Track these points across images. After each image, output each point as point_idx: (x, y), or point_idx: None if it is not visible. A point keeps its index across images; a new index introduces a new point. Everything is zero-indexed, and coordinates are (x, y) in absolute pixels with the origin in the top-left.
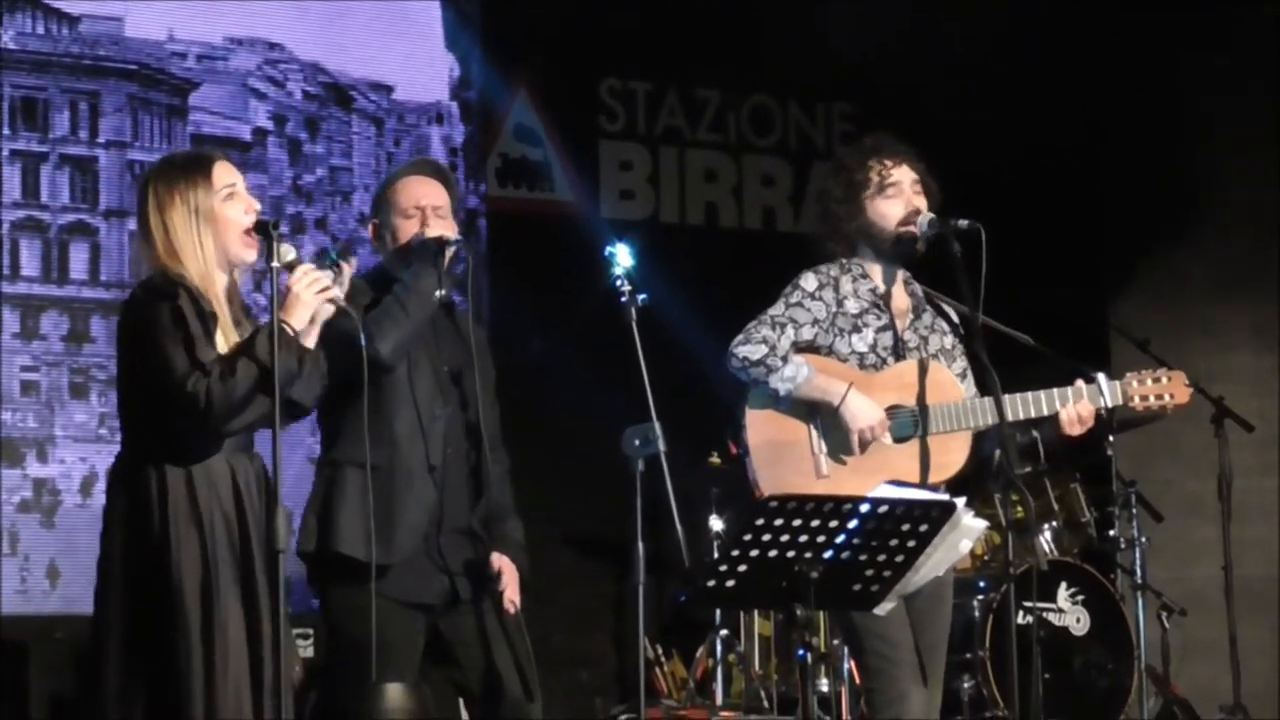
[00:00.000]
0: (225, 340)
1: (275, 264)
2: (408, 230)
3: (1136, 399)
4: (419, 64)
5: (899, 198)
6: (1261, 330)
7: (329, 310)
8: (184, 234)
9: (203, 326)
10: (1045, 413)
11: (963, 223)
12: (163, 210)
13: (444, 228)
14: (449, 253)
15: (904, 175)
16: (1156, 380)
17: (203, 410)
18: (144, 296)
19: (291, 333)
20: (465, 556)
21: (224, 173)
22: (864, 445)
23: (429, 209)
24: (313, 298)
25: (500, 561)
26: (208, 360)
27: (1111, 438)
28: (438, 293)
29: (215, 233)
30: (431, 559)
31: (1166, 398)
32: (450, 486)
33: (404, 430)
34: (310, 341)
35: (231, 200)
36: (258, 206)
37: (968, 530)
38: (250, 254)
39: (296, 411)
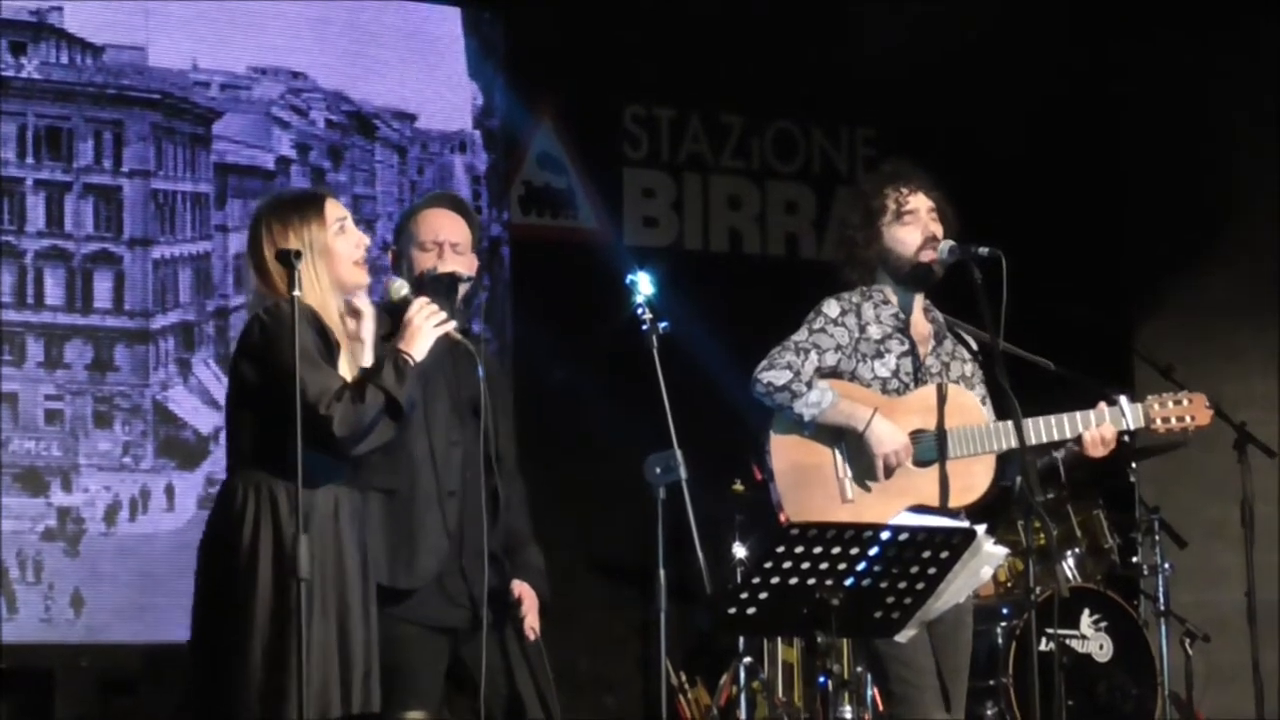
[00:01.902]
0: (348, 367)
1: (297, 293)
2: (423, 262)
3: (1158, 421)
4: (442, 92)
5: (915, 224)
6: None
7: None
8: (301, 269)
9: (328, 353)
10: (1068, 435)
11: (983, 250)
12: (278, 247)
13: (459, 264)
14: (462, 289)
15: (920, 202)
16: (1178, 402)
17: (334, 433)
18: (273, 321)
19: (412, 363)
20: (481, 580)
21: (334, 208)
22: (889, 470)
23: (446, 244)
24: (432, 330)
25: (521, 588)
26: (337, 385)
27: (1134, 464)
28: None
29: (329, 265)
30: (457, 583)
31: (1188, 419)
32: (470, 512)
33: (422, 456)
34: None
35: (343, 234)
36: (367, 240)
37: (989, 557)
38: (364, 278)
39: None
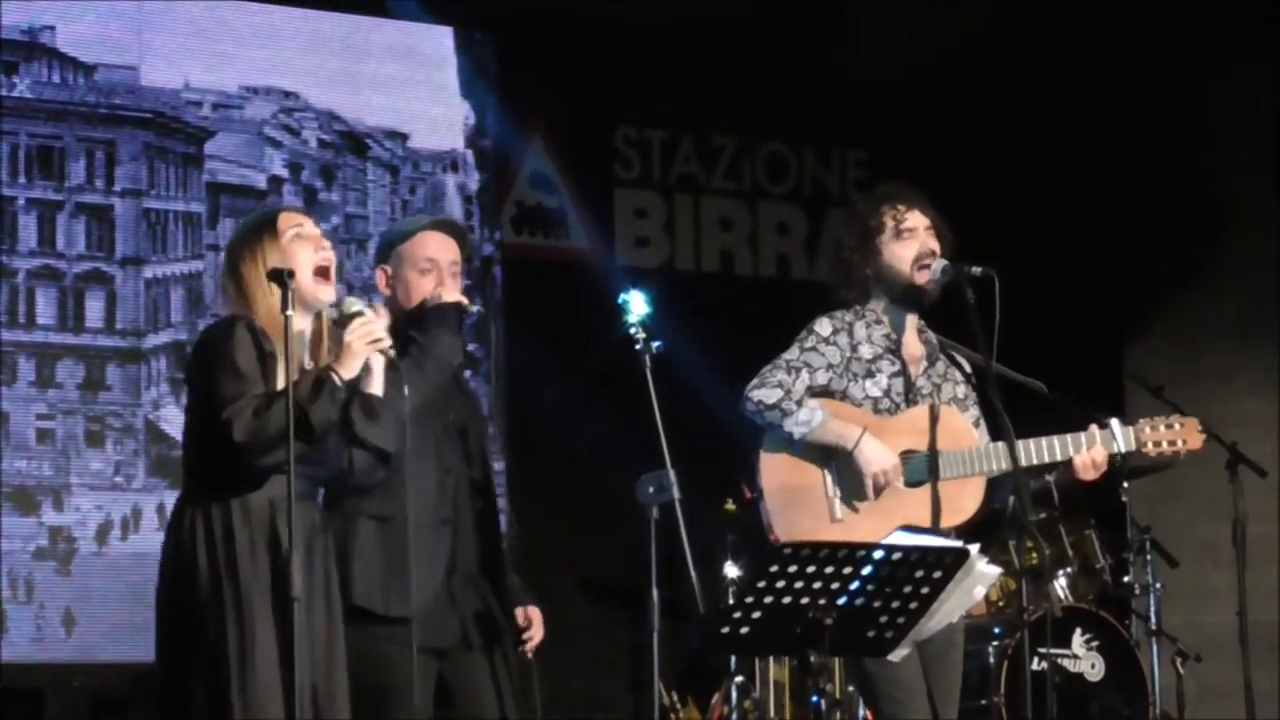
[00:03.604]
0: (285, 380)
1: (290, 313)
2: (421, 286)
3: (1149, 444)
4: (434, 112)
5: (914, 240)
6: (1277, 375)
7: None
8: (253, 283)
9: (261, 366)
10: (1059, 458)
11: (976, 269)
12: (234, 266)
13: (456, 286)
14: (466, 321)
15: (918, 220)
16: (1169, 426)
17: (234, 439)
18: (206, 333)
19: (338, 381)
20: (475, 604)
21: (289, 219)
22: (878, 490)
23: (443, 264)
24: (364, 348)
25: (529, 612)
26: (248, 393)
27: (1126, 484)
28: (455, 359)
29: None
30: (446, 604)
31: (1179, 443)
32: (461, 536)
33: (417, 484)
34: (377, 388)
35: (299, 240)
36: (327, 244)
37: (982, 576)
38: (327, 292)
39: (383, 458)
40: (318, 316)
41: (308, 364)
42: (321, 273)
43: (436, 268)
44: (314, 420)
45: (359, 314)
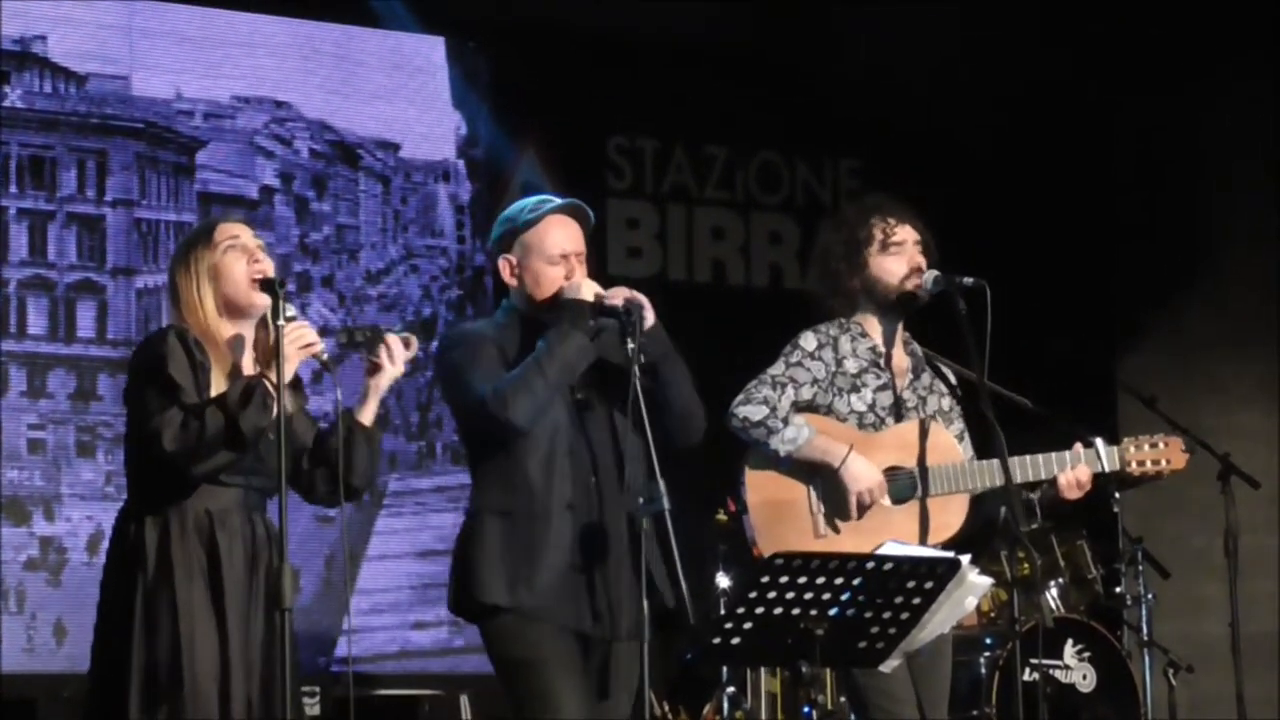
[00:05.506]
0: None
1: (281, 323)
2: (552, 278)
3: (1134, 464)
4: (426, 122)
5: (902, 255)
6: (1270, 387)
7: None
8: (187, 292)
9: (192, 376)
10: (1043, 477)
11: (968, 280)
12: (171, 277)
13: (583, 274)
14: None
15: (908, 234)
16: (1154, 445)
17: (164, 449)
18: (139, 347)
19: (269, 387)
20: (613, 595)
21: (226, 230)
22: (862, 508)
23: (573, 255)
24: (295, 353)
25: None
26: (179, 404)
27: (1118, 495)
28: (583, 364)
29: (217, 286)
30: (581, 592)
31: (1163, 463)
32: (593, 519)
33: (537, 472)
34: (367, 418)
35: (232, 251)
36: (259, 256)
37: (973, 587)
38: (263, 300)
39: (350, 491)
40: (262, 325)
41: (224, 370)
42: (254, 282)
43: (567, 260)
44: (244, 428)
45: (290, 319)
